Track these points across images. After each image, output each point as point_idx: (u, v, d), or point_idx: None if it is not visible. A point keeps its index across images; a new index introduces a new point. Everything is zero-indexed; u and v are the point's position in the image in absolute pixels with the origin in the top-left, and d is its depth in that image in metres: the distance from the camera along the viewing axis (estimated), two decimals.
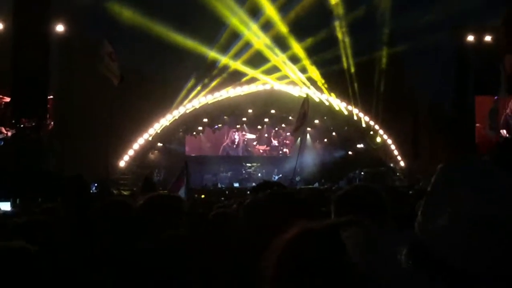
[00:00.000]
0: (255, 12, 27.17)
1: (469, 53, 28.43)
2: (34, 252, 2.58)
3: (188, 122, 28.64)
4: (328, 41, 27.79)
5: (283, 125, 30.41)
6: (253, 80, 27.93)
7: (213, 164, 29.41)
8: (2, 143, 21.65)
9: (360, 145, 30.31)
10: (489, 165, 1.13)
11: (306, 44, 27.61)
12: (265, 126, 30.70)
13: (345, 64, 28.22)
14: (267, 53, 27.45)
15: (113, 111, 22.80)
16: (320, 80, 28.22)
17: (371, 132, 29.45)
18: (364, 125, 29.19)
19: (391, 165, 29.02)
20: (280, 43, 27.61)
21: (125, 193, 19.77)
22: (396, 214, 2.94)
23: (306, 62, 27.87)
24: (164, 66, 26.38)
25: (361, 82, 28.35)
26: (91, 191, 11.13)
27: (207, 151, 30.30)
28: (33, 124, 20.14)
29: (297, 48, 27.58)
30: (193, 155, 29.04)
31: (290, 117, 28.05)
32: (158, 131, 27.17)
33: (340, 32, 27.78)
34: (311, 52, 27.77)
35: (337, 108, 28.80)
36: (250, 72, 27.70)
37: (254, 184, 22.70)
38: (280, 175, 28.44)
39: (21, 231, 3.92)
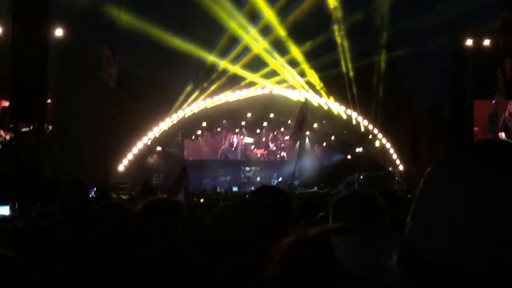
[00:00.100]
0: (254, 16, 27.22)
1: (467, 57, 28.48)
2: (18, 260, 2.55)
3: (187, 126, 28.63)
4: (327, 45, 27.84)
5: (282, 129, 30.41)
6: (252, 84, 27.94)
7: (212, 168, 29.42)
8: (1, 146, 21.67)
9: (359, 149, 30.31)
10: (478, 167, 1.12)
11: (305, 48, 27.65)
12: (264, 130, 30.70)
13: (343, 68, 28.26)
14: (266, 57, 27.48)
15: (112, 115, 22.82)
16: (318, 84, 28.23)
17: (370, 136, 29.45)
18: (363, 129, 29.18)
19: (390, 169, 29.02)
20: (279, 47, 27.65)
21: (124, 197, 19.75)
22: (395, 218, 2.94)
23: (305, 66, 27.90)
24: (163, 70, 26.38)
25: (359, 86, 28.37)
26: (90, 196, 11.13)
27: (206, 155, 30.30)
28: (31, 128, 20.14)
29: (296, 52, 27.62)
30: (192, 159, 29.04)
31: (289, 121, 28.06)
32: (157, 135, 27.15)
33: (339, 36, 27.83)
34: (310, 56, 27.81)
35: (336, 112, 28.80)
36: (249, 76, 27.71)
37: (253, 188, 22.74)
38: (280, 179, 28.43)
39: (19, 236, 3.91)
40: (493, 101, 26.16)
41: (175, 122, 27.27)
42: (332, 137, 30.81)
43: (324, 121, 29.79)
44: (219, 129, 29.98)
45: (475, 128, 26.68)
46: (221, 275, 2.74)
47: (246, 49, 27.39)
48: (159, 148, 28.49)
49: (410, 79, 29.24)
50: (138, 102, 25.09)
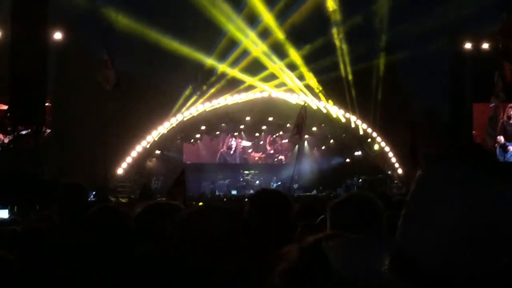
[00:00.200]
0: (253, 20, 27.23)
1: (466, 60, 28.51)
2: (17, 262, 2.56)
3: (186, 130, 28.64)
4: (326, 48, 27.86)
5: (280, 133, 30.40)
6: (251, 87, 27.94)
7: (211, 171, 29.39)
8: (0, 149, 21.66)
9: (358, 153, 30.31)
10: (472, 170, 1.13)
11: (304, 52, 27.67)
12: (263, 133, 30.70)
13: (342, 72, 28.26)
14: (265, 60, 27.49)
15: (111, 118, 22.82)
16: (317, 87, 28.23)
17: (369, 140, 29.45)
18: (361, 132, 29.19)
19: (389, 172, 29.03)
20: (278, 50, 27.66)
21: (123, 200, 19.75)
22: (393, 222, 2.94)
23: (303, 69, 27.90)
24: (162, 73, 26.38)
25: (358, 89, 28.38)
26: (89, 199, 11.12)
27: (205, 159, 30.28)
28: (29, 131, 20.13)
29: (294, 55, 27.64)
30: (191, 162, 29.02)
31: (288, 125, 28.06)
32: (156, 139, 27.14)
33: (338, 39, 27.84)
34: (309, 59, 27.83)
35: (334, 116, 28.81)
36: (248, 79, 27.72)
37: (252, 191, 22.74)
38: (279, 183, 28.42)
39: (18, 239, 3.92)
40: (491, 105, 26.18)
41: (174, 125, 27.27)
42: (331, 141, 30.80)
43: (323, 125, 29.79)
44: (218, 133, 29.98)
45: (474, 132, 26.68)
46: (220, 275, 2.74)
47: (245, 52, 27.40)
48: (158, 152, 28.48)
49: (409, 82, 29.28)
50: (137, 105, 25.10)
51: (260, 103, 28.32)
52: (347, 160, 30.50)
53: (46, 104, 22.01)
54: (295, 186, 27.18)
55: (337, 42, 27.95)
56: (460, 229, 1.04)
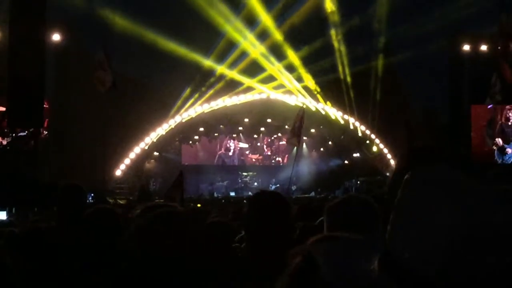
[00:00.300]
0: (251, 21, 27.23)
1: (464, 62, 28.54)
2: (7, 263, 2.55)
3: (184, 131, 28.64)
4: (324, 50, 27.88)
5: (279, 134, 30.41)
6: (249, 89, 27.95)
7: (209, 173, 29.39)
8: None
9: (356, 154, 30.32)
10: (460, 174, 1.13)
11: (302, 53, 27.68)
12: (261, 135, 30.71)
13: (341, 73, 28.27)
14: (263, 62, 27.50)
15: (109, 119, 22.81)
16: (316, 89, 28.25)
17: (367, 141, 29.47)
18: (360, 134, 29.21)
19: (387, 174, 29.01)
20: (276, 52, 27.67)
21: (121, 202, 19.76)
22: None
23: (302, 71, 27.91)
24: (160, 75, 26.41)
25: (357, 91, 28.40)
26: (88, 201, 11.12)
27: (203, 160, 30.27)
28: (26, 133, 20.12)
29: (293, 57, 27.65)
30: (189, 164, 29.01)
31: (286, 126, 28.10)
32: (154, 140, 27.13)
33: (336, 41, 27.85)
34: (307, 61, 27.85)
35: (333, 117, 28.83)
36: (246, 81, 27.72)
37: (250, 193, 22.75)
38: (278, 185, 28.42)
39: (16, 241, 3.91)
40: (489, 106, 26.20)
41: (172, 127, 27.26)
42: (330, 142, 30.82)
43: (321, 126, 29.82)
44: (216, 134, 29.98)
45: (472, 134, 26.68)
46: (219, 276, 2.74)
47: (244, 54, 27.41)
48: (156, 153, 28.48)
49: (407, 84, 29.30)
50: (135, 106, 25.09)
51: (258, 105, 28.33)
52: (346, 161, 30.51)
53: (44, 105, 22.04)
54: (294, 187, 27.20)
55: (336, 44, 27.97)
56: (451, 231, 1.04)
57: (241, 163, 31.04)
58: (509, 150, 25.90)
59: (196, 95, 27.53)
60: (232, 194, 27.94)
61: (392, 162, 28.78)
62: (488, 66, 26.08)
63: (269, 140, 31.22)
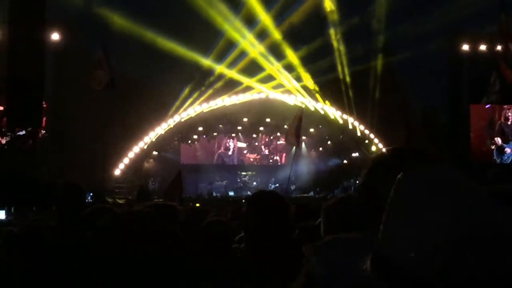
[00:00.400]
0: (250, 21, 27.22)
1: (463, 62, 28.56)
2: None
3: (183, 131, 28.63)
4: (323, 49, 27.87)
5: (278, 134, 30.40)
6: (248, 88, 27.94)
7: (208, 172, 29.38)
8: None
9: (355, 154, 30.32)
10: (455, 174, 1.13)
11: (301, 53, 27.67)
12: (260, 134, 30.70)
13: (340, 73, 28.27)
14: (262, 61, 27.49)
15: (108, 119, 22.80)
16: (314, 88, 28.24)
17: (366, 141, 29.46)
18: (359, 133, 29.21)
19: None
20: (275, 51, 27.67)
21: (120, 201, 19.76)
22: None
23: (301, 70, 27.91)
24: (159, 74, 26.38)
25: (356, 91, 28.40)
26: (87, 200, 11.11)
27: (202, 160, 30.26)
28: (25, 132, 20.11)
29: (292, 56, 27.64)
30: (188, 163, 29.00)
31: (285, 126, 28.11)
32: (153, 140, 27.12)
33: (335, 40, 27.84)
34: (306, 60, 27.84)
35: (332, 117, 28.82)
36: (245, 80, 27.71)
37: (249, 193, 22.74)
38: (277, 184, 28.43)
39: (15, 240, 3.91)
40: (486, 106, 26.23)
41: (171, 126, 27.26)
42: (329, 142, 30.82)
43: (320, 126, 29.82)
44: (215, 134, 29.98)
45: (471, 133, 26.70)
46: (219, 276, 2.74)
47: (243, 53, 27.40)
48: (155, 153, 28.47)
49: (406, 83, 29.29)
50: (134, 106, 25.07)
51: (257, 104, 28.32)
52: (345, 161, 30.50)
53: (43, 105, 22.04)
54: (293, 187, 27.21)
55: (335, 43, 27.96)
56: (447, 231, 1.04)
57: (240, 163, 31.04)
58: (507, 150, 25.94)
59: (195, 95, 27.52)
60: (231, 193, 27.94)
61: None
62: (488, 65, 26.11)
63: (267, 139, 31.21)
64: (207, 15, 25.60)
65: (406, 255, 1.06)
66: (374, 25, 27.88)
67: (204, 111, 27.53)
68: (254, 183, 29.87)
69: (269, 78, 27.97)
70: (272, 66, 27.71)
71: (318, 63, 27.99)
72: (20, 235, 3.98)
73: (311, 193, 26.86)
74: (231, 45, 27.24)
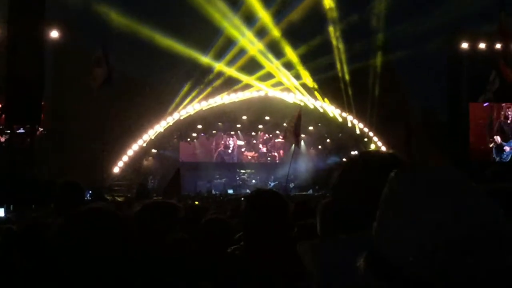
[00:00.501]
0: (249, 19, 27.21)
1: (463, 60, 28.56)
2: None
3: (183, 129, 28.62)
4: (323, 47, 27.86)
5: (277, 132, 30.40)
6: (247, 86, 27.94)
7: (207, 170, 29.37)
8: None
9: (354, 152, 30.29)
10: (455, 175, 1.13)
11: (300, 51, 27.66)
12: (259, 132, 30.69)
13: (339, 71, 28.25)
14: (262, 59, 27.48)
15: (107, 116, 22.77)
16: (313, 86, 28.22)
17: (365, 139, 29.47)
18: (358, 131, 29.21)
19: None
20: (274, 49, 27.66)
21: (119, 199, 19.73)
22: None
23: (300, 68, 27.90)
24: (158, 72, 26.38)
25: (355, 89, 28.39)
26: (85, 198, 11.10)
27: (201, 158, 30.24)
28: (22, 129, 20.09)
29: (291, 54, 27.63)
30: (187, 161, 28.98)
31: (284, 124, 28.12)
32: (153, 138, 27.11)
33: (334, 38, 27.83)
34: (305, 58, 27.83)
35: (331, 115, 28.83)
36: (245, 78, 27.70)
37: (248, 190, 22.71)
38: (276, 182, 28.43)
39: (13, 237, 3.91)
40: (484, 104, 26.23)
41: (170, 124, 27.25)
42: (328, 140, 30.82)
43: (319, 124, 29.82)
44: (214, 132, 29.98)
45: (470, 132, 26.71)
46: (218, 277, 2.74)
47: (242, 51, 27.39)
48: (154, 151, 28.45)
49: (405, 81, 29.29)
50: (133, 104, 25.07)
51: (256, 102, 28.33)
52: (343, 159, 30.48)
53: (42, 103, 22.02)
54: (291, 185, 27.20)
55: (334, 41, 27.95)
56: (446, 231, 1.04)
57: (239, 161, 31.05)
58: (507, 148, 25.94)
59: (194, 93, 27.51)
60: (230, 191, 27.93)
61: None
62: (487, 64, 26.10)
63: (265, 137, 31.20)
64: (206, 13, 25.58)
65: (406, 255, 1.06)
66: (374, 23, 27.89)
67: (203, 109, 27.53)
68: (253, 181, 29.88)
69: (268, 76, 27.97)
70: (271, 64, 27.71)
71: (317, 61, 27.99)
72: (19, 233, 3.98)
73: (310, 191, 26.83)
74: (230, 43, 27.24)
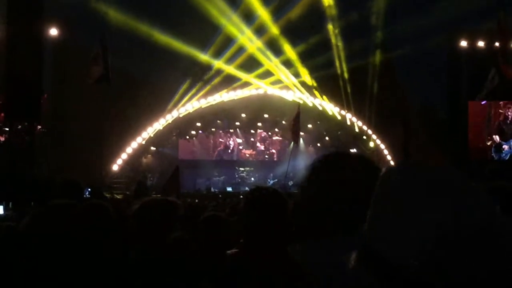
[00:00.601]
0: (248, 16, 27.18)
1: (462, 58, 28.56)
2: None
3: (181, 126, 28.61)
4: (322, 45, 27.84)
5: (276, 129, 30.40)
6: (246, 84, 27.93)
7: (206, 168, 29.37)
8: None
9: (353, 150, 30.28)
10: (454, 175, 1.13)
11: (299, 49, 27.64)
12: (258, 130, 30.68)
13: (338, 69, 28.25)
14: (261, 57, 27.47)
15: (106, 115, 22.76)
16: (312, 84, 28.21)
17: (364, 137, 29.47)
18: (357, 129, 29.22)
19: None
20: (273, 47, 27.64)
21: (118, 197, 19.71)
22: None
23: (299, 66, 27.89)
24: (157, 70, 26.35)
25: (354, 87, 28.39)
26: (84, 196, 11.10)
27: (200, 156, 30.24)
28: (20, 127, 20.06)
29: (290, 52, 27.62)
30: (186, 159, 28.99)
31: (283, 121, 28.12)
32: (151, 135, 27.11)
33: (333, 36, 27.81)
34: (304, 56, 27.81)
35: (330, 113, 28.82)
36: (244, 76, 27.70)
37: (247, 188, 22.70)
38: (276, 180, 28.45)
39: (13, 235, 3.92)
40: (482, 102, 26.23)
41: (169, 121, 27.24)
42: (326, 138, 30.80)
43: (318, 122, 29.80)
44: (213, 129, 29.98)
45: (469, 130, 26.71)
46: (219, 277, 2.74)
47: (241, 49, 27.38)
48: (153, 148, 28.46)
49: (405, 79, 29.29)
50: (132, 101, 25.05)
51: (255, 100, 28.31)
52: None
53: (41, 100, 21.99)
54: (290, 183, 27.21)
55: (333, 39, 27.94)
56: (445, 231, 1.04)
57: (238, 158, 31.05)
58: (505, 147, 25.95)
59: (194, 90, 27.50)
60: (229, 189, 27.95)
61: (389, 157, 28.83)
62: (486, 62, 26.08)
63: (263, 135, 31.18)
64: (205, 11, 25.56)
65: (406, 255, 1.06)
66: (373, 21, 27.87)
67: (202, 106, 27.53)
68: (252, 178, 29.90)
69: (267, 74, 27.96)
70: (270, 62, 27.70)
71: (316, 58, 27.97)
72: (20, 230, 3.98)
73: None
74: (229, 40, 27.22)
